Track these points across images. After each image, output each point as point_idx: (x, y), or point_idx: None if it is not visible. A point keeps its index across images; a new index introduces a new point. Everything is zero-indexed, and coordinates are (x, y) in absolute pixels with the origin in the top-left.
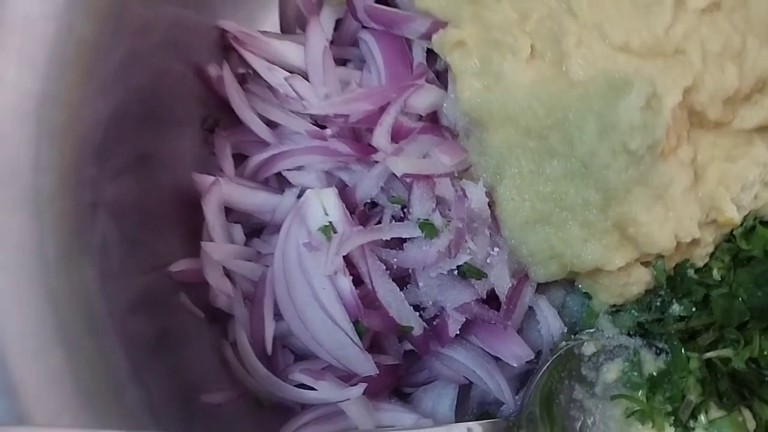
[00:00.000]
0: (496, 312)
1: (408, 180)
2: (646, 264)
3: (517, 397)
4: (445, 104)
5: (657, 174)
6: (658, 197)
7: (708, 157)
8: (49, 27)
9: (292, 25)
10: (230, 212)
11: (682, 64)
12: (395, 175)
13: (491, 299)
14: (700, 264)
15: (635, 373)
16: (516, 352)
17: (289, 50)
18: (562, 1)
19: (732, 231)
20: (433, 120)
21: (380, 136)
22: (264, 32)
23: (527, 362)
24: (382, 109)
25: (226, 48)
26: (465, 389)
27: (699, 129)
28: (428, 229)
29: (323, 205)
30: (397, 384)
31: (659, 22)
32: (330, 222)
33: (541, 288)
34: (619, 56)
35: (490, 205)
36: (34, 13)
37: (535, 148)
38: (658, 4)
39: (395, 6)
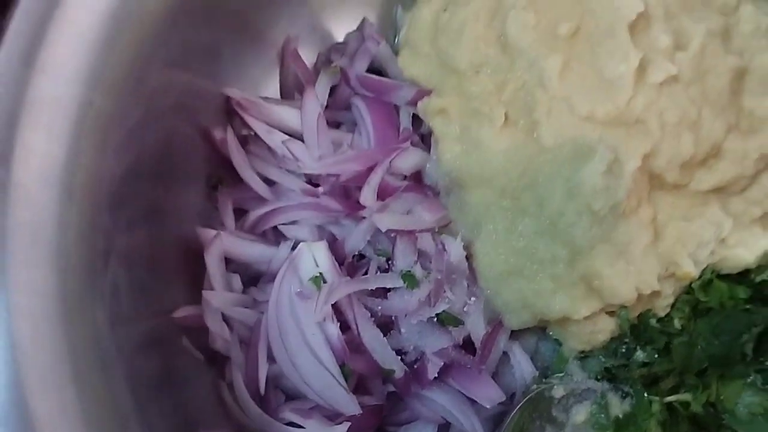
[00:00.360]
0: (471, 357)
1: (392, 234)
2: (611, 313)
3: None
4: (428, 165)
5: (619, 232)
6: (620, 253)
7: (667, 217)
8: (73, 104)
9: (291, 91)
10: (230, 262)
11: (642, 132)
12: (381, 229)
13: (468, 345)
14: (662, 314)
15: (602, 415)
16: (489, 395)
17: (288, 115)
18: (534, 75)
19: (690, 284)
20: (417, 179)
21: (367, 194)
22: (265, 98)
23: (501, 404)
24: (370, 170)
25: (230, 112)
26: (444, 429)
27: (659, 191)
28: (410, 280)
29: (314, 257)
30: (380, 423)
31: (621, 95)
32: (320, 273)
33: (515, 334)
34: (585, 125)
35: (467, 258)
36: (59, 93)
37: (509, 207)
38: (620, 78)
39: (386, 75)
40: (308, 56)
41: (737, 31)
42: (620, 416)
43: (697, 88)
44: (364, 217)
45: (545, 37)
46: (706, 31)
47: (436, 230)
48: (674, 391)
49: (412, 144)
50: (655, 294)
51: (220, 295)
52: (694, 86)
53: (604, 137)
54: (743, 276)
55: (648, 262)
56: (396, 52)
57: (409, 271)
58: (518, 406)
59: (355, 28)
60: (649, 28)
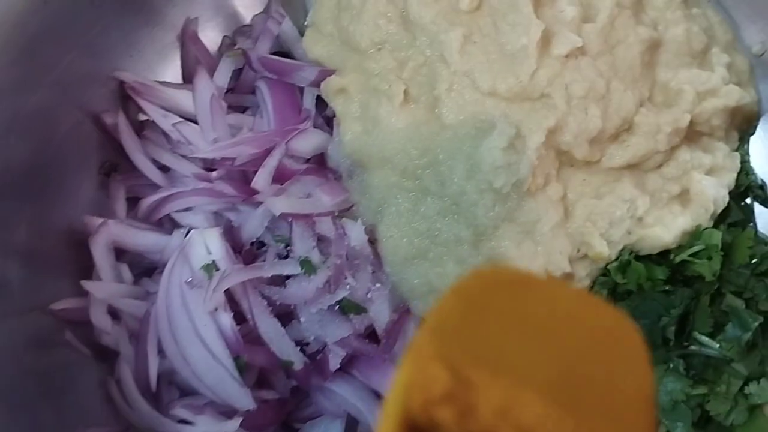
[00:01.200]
0: (375, 346)
1: (289, 219)
2: None
3: None
4: (330, 147)
5: (524, 211)
6: (526, 233)
7: (578, 195)
8: None
9: (192, 75)
10: (124, 253)
11: (546, 107)
12: (280, 216)
13: (373, 334)
14: None
15: None
16: None
17: (185, 99)
18: (436, 50)
19: (607, 266)
20: (319, 162)
21: (261, 178)
22: (162, 82)
23: None
24: (267, 152)
25: (125, 97)
26: (352, 425)
27: (569, 168)
28: (307, 266)
29: (206, 244)
30: (283, 419)
31: (524, 69)
32: (213, 260)
33: None
34: (488, 101)
35: (372, 242)
36: None
37: (411, 187)
38: (522, 51)
39: (292, 57)
40: (215, 39)
41: (650, 2)
42: None
43: (606, 61)
44: (261, 203)
45: (447, 11)
46: (615, 2)
47: (337, 214)
48: None
49: (316, 126)
50: (569, 276)
51: (106, 286)
52: (602, 59)
53: (507, 113)
54: (663, 256)
55: (557, 242)
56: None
57: (307, 257)
58: None
59: (262, 10)
60: (555, 1)
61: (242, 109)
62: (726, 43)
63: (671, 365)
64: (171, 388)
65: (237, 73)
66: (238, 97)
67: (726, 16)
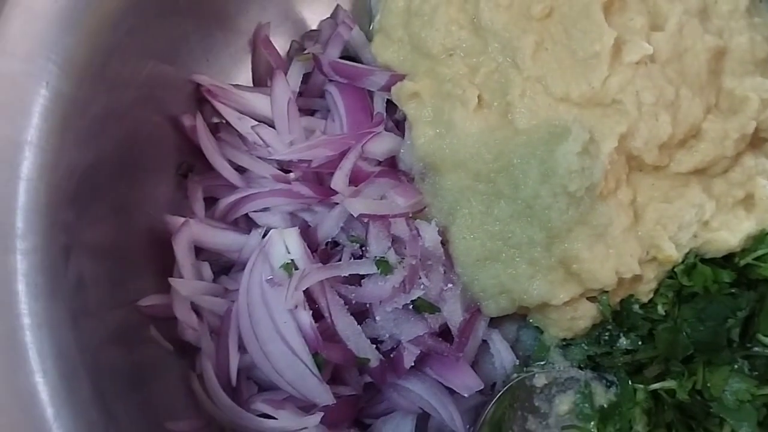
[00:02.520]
0: (448, 345)
1: (365, 220)
2: (592, 299)
3: (471, 428)
4: (402, 150)
5: (597, 214)
6: (598, 236)
7: (647, 199)
8: (28, 83)
9: (263, 79)
10: (201, 251)
11: (618, 113)
12: (355, 216)
13: (445, 333)
14: (645, 299)
15: (587, 405)
16: (467, 383)
17: (259, 101)
18: (508, 56)
19: (674, 268)
20: (391, 165)
21: (339, 180)
22: (236, 85)
23: (482, 394)
24: (343, 155)
25: (201, 100)
26: (423, 420)
27: (638, 172)
28: (383, 266)
29: (286, 244)
30: (357, 415)
31: (596, 75)
32: (292, 260)
33: (495, 322)
34: (560, 106)
35: (443, 244)
36: (12, 71)
37: (484, 190)
38: (595, 58)
39: (359, 61)
40: (282, 44)
41: (715, 11)
42: (605, 406)
43: (675, 68)
44: (336, 204)
45: (518, 18)
46: (682, 10)
47: (411, 215)
48: (659, 378)
49: (386, 129)
50: (637, 278)
51: (189, 284)
52: (671, 66)
53: (579, 118)
54: (727, 260)
55: (628, 244)
56: (371, 39)
57: (383, 257)
58: (497, 396)
59: (329, 15)
60: (625, 9)
61: (311, 112)
62: None
63: (736, 366)
64: (250, 384)
65: (305, 77)
66: (308, 100)
67: None
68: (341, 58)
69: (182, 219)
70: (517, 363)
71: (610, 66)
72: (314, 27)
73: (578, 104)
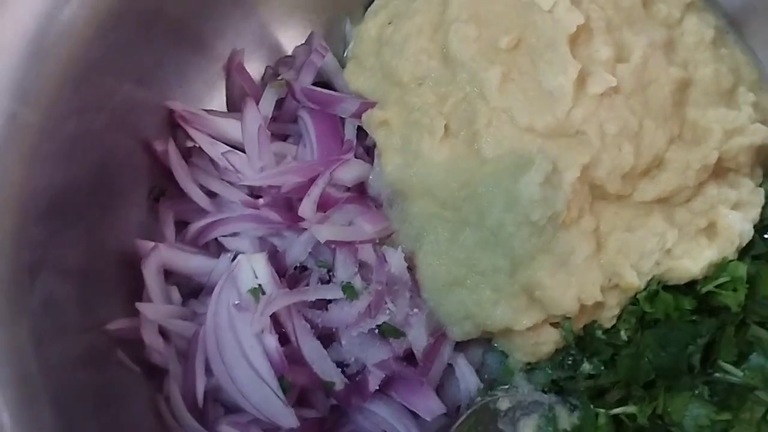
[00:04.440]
0: (413, 369)
1: (332, 246)
2: (555, 325)
3: None
4: (371, 177)
5: (559, 242)
6: (561, 264)
7: (610, 227)
8: None
9: (237, 105)
10: (171, 275)
11: (581, 143)
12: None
13: (411, 357)
14: (608, 325)
15: (550, 429)
16: (430, 407)
17: (231, 127)
18: (475, 87)
19: (636, 295)
20: (360, 191)
21: (306, 207)
22: (209, 111)
23: (447, 417)
24: (312, 181)
25: (174, 124)
26: None
27: (601, 201)
28: (349, 291)
29: (253, 269)
30: None
31: (560, 106)
32: (259, 284)
33: (461, 346)
34: (525, 136)
35: (410, 269)
36: None
37: (450, 218)
38: (559, 89)
39: (333, 88)
40: (257, 69)
41: (681, 43)
42: (568, 429)
43: (639, 100)
44: (305, 229)
45: (486, 49)
46: (648, 42)
47: (378, 242)
48: (621, 403)
49: (356, 156)
50: (600, 305)
51: (157, 308)
52: (635, 97)
53: (543, 148)
54: (690, 287)
55: (590, 272)
56: (345, 66)
57: (349, 282)
58: (460, 419)
59: (304, 41)
60: (591, 41)
61: (283, 137)
62: (752, 82)
63: (697, 391)
64: (217, 406)
65: (279, 102)
66: (281, 125)
67: (752, 57)
68: (315, 84)
69: (152, 243)
70: (482, 386)
71: (575, 97)
72: (289, 53)
73: (543, 135)
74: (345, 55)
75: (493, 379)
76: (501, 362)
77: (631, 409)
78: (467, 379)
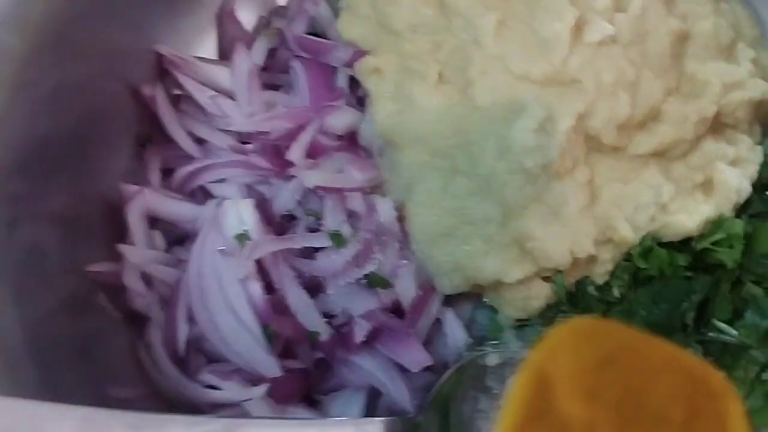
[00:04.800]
0: (400, 321)
1: (321, 193)
2: (546, 279)
3: (421, 405)
4: (362, 125)
5: (552, 193)
6: (553, 214)
7: (604, 179)
8: None
9: (229, 53)
10: (157, 222)
11: (577, 91)
12: (311, 190)
13: (399, 309)
14: (600, 281)
15: None
16: (416, 359)
17: (222, 74)
18: (470, 34)
19: (630, 251)
20: (351, 140)
21: (295, 152)
22: (199, 58)
23: (434, 373)
24: (302, 128)
25: (162, 70)
26: (374, 397)
27: (597, 153)
28: (337, 239)
29: (240, 214)
30: (307, 391)
31: (556, 54)
32: (245, 230)
33: (450, 301)
34: (520, 84)
35: (400, 220)
36: None
37: (442, 166)
38: (555, 37)
39: (326, 38)
40: (250, 19)
41: None
42: None
43: (637, 50)
44: (293, 176)
45: None
46: None
47: (368, 190)
48: None
49: (348, 105)
50: (592, 259)
51: (140, 252)
52: (633, 48)
53: (538, 96)
54: (685, 244)
55: (583, 224)
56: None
57: (337, 230)
58: (446, 374)
59: None
60: None
61: (276, 88)
62: (753, 38)
63: (691, 350)
64: (199, 355)
65: (271, 53)
66: (272, 75)
67: (753, 13)
68: (309, 34)
69: (136, 187)
70: (470, 342)
71: (571, 45)
72: (284, 3)
73: (538, 83)
74: (339, 4)
75: (482, 336)
76: (491, 319)
77: None
78: (455, 334)
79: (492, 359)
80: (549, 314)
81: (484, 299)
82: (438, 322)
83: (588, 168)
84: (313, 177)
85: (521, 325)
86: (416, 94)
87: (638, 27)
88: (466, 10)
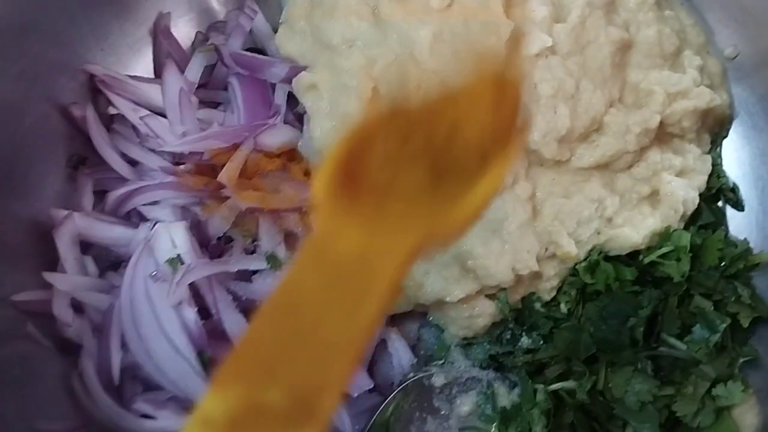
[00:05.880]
0: None
1: (256, 214)
2: (491, 296)
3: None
4: (300, 143)
5: (492, 209)
6: (494, 231)
7: (546, 194)
8: None
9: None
10: (91, 247)
11: None
12: (247, 210)
13: None
14: (547, 297)
15: (489, 406)
16: (356, 382)
17: (156, 92)
18: (406, 48)
19: (576, 265)
20: (289, 158)
21: (227, 172)
22: (132, 76)
23: (380, 395)
24: (236, 147)
25: (95, 90)
26: None
27: (538, 167)
28: (273, 261)
29: (172, 238)
30: None
31: None
32: (178, 254)
33: (395, 321)
34: None
35: None
36: None
37: None
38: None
39: (265, 53)
40: (187, 35)
41: (623, 3)
42: (507, 407)
43: (576, 61)
44: (228, 197)
45: (418, 9)
46: (586, 2)
47: (305, 210)
48: (561, 378)
49: (286, 122)
50: (537, 276)
51: (68, 278)
52: (572, 58)
53: None
54: (632, 258)
55: (525, 240)
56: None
57: (273, 252)
58: (391, 395)
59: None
60: (527, 1)
61: (214, 105)
62: (698, 45)
63: (639, 366)
64: (134, 383)
65: (210, 69)
66: (210, 92)
67: (699, 19)
68: (249, 50)
69: (65, 212)
70: (415, 362)
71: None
72: (222, 18)
73: None
74: (280, 20)
75: (429, 355)
76: (437, 337)
77: (570, 384)
78: (400, 354)
79: (438, 379)
80: (496, 332)
81: (429, 318)
82: (383, 342)
83: (529, 183)
84: (246, 199)
85: (468, 343)
86: (351, 111)
87: (577, 37)
88: (401, 23)
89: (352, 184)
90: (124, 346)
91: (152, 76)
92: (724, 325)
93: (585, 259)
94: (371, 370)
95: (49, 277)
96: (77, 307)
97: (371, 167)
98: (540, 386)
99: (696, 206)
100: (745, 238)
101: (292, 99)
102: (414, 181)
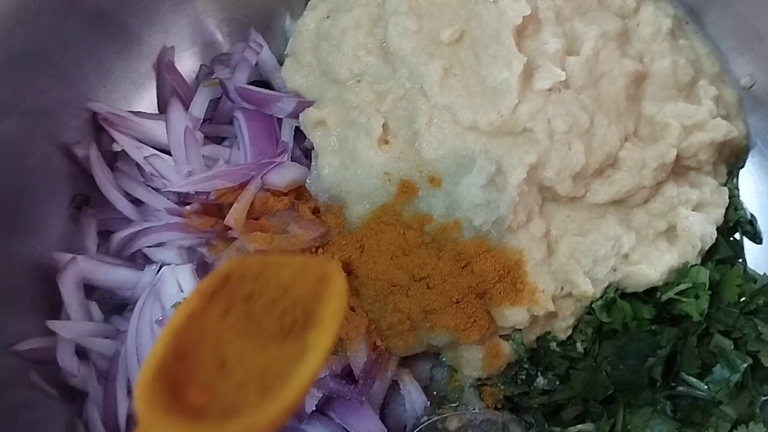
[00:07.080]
0: (353, 387)
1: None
2: (506, 337)
3: None
4: (308, 180)
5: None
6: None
7: (561, 231)
8: None
9: (167, 105)
10: (95, 290)
11: (528, 142)
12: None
13: (352, 374)
14: (563, 336)
15: None
16: (369, 428)
17: (160, 129)
18: (416, 83)
19: (592, 303)
20: (297, 196)
21: (233, 215)
22: (136, 112)
23: None
24: (243, 186)
25: (98, 128)
26: None
27: (552, 203)
28: None
29: (178, 281)
30: None
31: (505, 103)
32: (185, 298)
33: (407, 362)
34: (468, 135)
35: (349, 277)
36: None
37: (391, 222)
38: (504, 85)
39: (271, 87)
40: (192, 68)
41: (637, 33)
42: None
43: (590, 94)
44: (235, 238)
45: (427, 43)
46: (599, 33)
47: (314, 250)
48: (579, 420)
49: (293, 158)
50: (553, 315)
51: (73, 325)
52: (586, 92)
53: (487, 147)
54: (649, 295)
55: (540, 279)
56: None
57: None
58: None
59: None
60: (539, 32)
61: (220, 140)
62: (713, 75)
63: (659, 407)
64: None
65: (215, 103)
66: (216, 127)
67: (714, 48)
68: (254, 83)
69: (69, 256)
70: (429, 405)
71: (520, 93)
72: (227, 50)
73: (487, 133)
74: (286, 52)
75: (442, 396)
76: (451, 378)
77: (588, 426)
78: (413, 396)
79: (452, 423)
80: (510, 372)
81: (442, 358)
82: (395, 384)
83: (543, 220)
84: (254, 241)
85: (482, 384)
86: (360, 148)
87: (591, 70)
88: (411, 57)
89: (175, 385)
90: (130, 393)
91: (156, 110)
92: (745, 365)
93: (601, 297)
94: (383, 413)
95: (53, 325)
96: (82, 352)
97: (195, 363)
98: (557, 429)
99: (713, 241)
100: (765, 273)
101: (299, 133)
102: (239, 367)
